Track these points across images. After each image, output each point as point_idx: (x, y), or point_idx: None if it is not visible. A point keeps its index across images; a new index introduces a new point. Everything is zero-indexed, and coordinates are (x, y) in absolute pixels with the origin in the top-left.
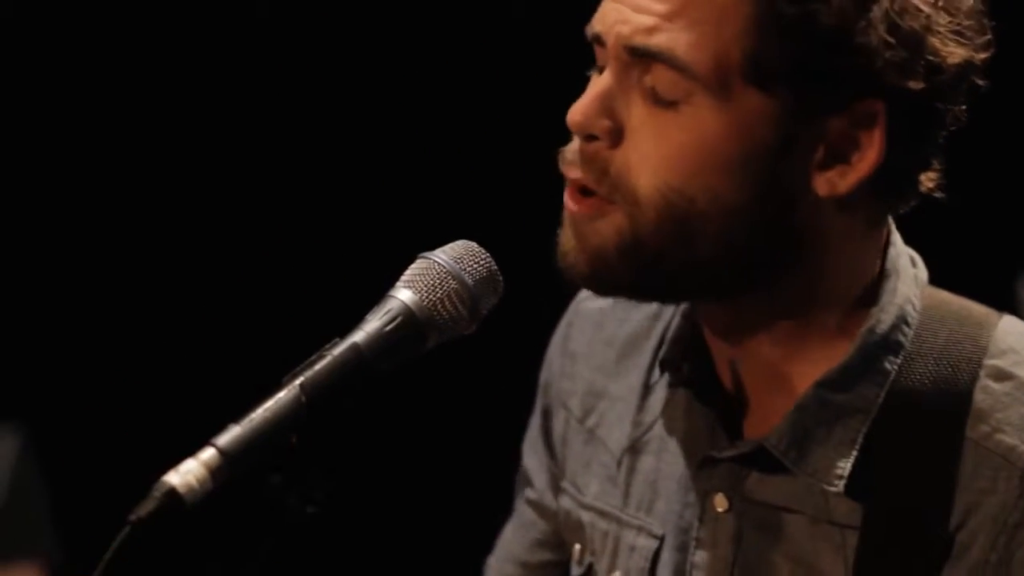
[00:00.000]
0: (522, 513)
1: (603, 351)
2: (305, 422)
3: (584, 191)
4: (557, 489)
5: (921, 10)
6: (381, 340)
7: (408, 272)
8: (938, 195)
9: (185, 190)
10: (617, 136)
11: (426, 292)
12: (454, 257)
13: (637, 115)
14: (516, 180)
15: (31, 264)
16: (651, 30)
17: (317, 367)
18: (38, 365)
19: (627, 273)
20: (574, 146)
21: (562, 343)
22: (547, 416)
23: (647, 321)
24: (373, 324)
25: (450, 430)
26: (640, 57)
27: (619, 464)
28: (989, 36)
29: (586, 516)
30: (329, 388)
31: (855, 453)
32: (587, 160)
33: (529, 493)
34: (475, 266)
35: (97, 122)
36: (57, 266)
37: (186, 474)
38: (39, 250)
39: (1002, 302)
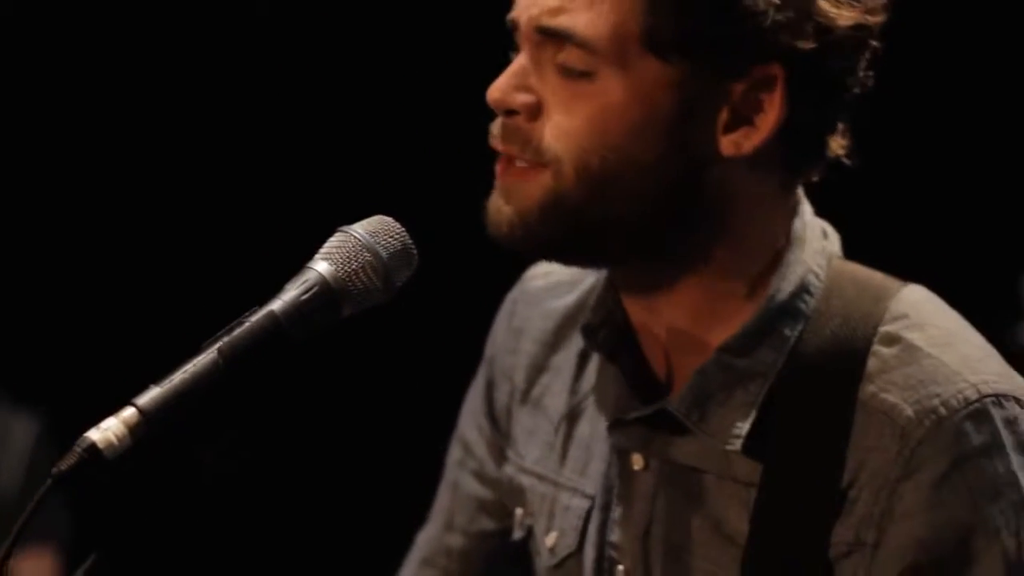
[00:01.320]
0: (461, 483)
1: (543, 325)
2: (221, 384)
3: (511, 161)
4: (501, 458)
5: None
6: (297, 308)
7: (326, 245)
8: (847, 162)
9: (184, 188)
10: (535, 110)
11: (341, 264)
12: (370, 231)
13: (551, 89)
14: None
15: (55, 258)
16: (556, 11)
17: (235, 333)
18: (59, 352)
19: (549, 231)
20: (498, 121)
21: (507, 319)
22: (491, 388)
23: (584, 295)
24: (290, 293)
25: (373, 399)
26: (549, 36)
27: (557, 430)
28: (884, 1)
29: (527, 480)
30: (246, 352)
31: (753, 414)
32: (509, 133)
33: (469, 463)
34: (390, 240)
35: (97, 122)
36: (81, 261)
37: (106, 431)
38: (58, 245)
39: (1005, 302)
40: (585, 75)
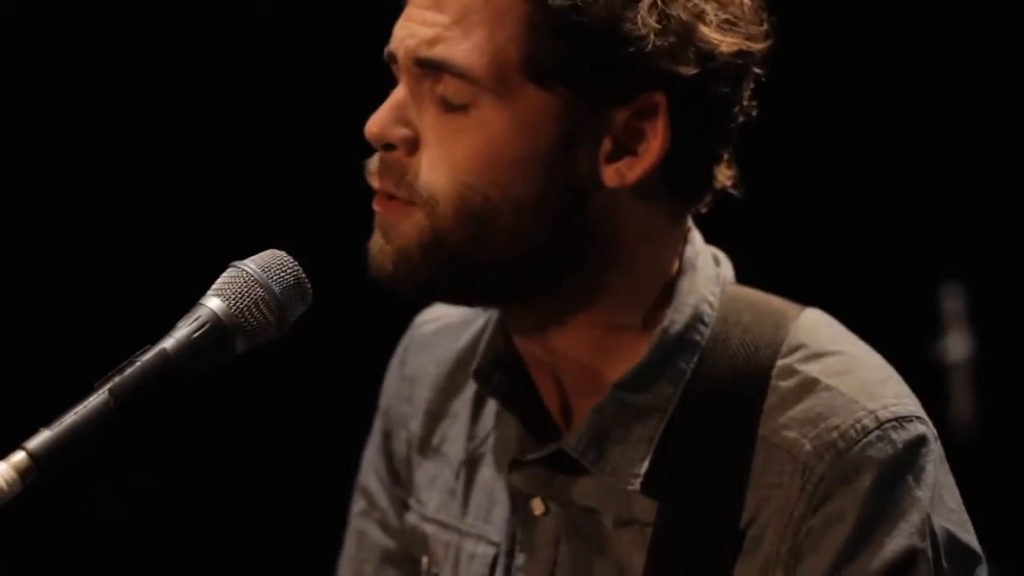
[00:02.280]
0: (364, 532)
1: (436, 371)
2: (114, 425)
3: (390, 197)
4: (403, 508)
5: (691, 0)
6: (189, 346)
7: (218, 281)
8: (734, 192)
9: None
10: (413, 144)
11: (234, 300)
12: (262, 266)
13: (430, 122)
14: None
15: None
16: (433, 41)
17: (126, 372)
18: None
19: (429, 271)
20: (376, 157)
21: (399, 368)
22: (388, 438)
23: (475, 337)
24: (182, 331)
25: (274, 436)
26: (427, 67)
27: (457, 476)
28: (766, 28)
29: (430, 529)
30: (137, 392)
31: (651, 452)
32: (387, 169)
33: (373, 513)
34: (282, 275)
35: (97, 122)
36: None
37: None
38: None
39: (927, 313)
40: (464, 107)
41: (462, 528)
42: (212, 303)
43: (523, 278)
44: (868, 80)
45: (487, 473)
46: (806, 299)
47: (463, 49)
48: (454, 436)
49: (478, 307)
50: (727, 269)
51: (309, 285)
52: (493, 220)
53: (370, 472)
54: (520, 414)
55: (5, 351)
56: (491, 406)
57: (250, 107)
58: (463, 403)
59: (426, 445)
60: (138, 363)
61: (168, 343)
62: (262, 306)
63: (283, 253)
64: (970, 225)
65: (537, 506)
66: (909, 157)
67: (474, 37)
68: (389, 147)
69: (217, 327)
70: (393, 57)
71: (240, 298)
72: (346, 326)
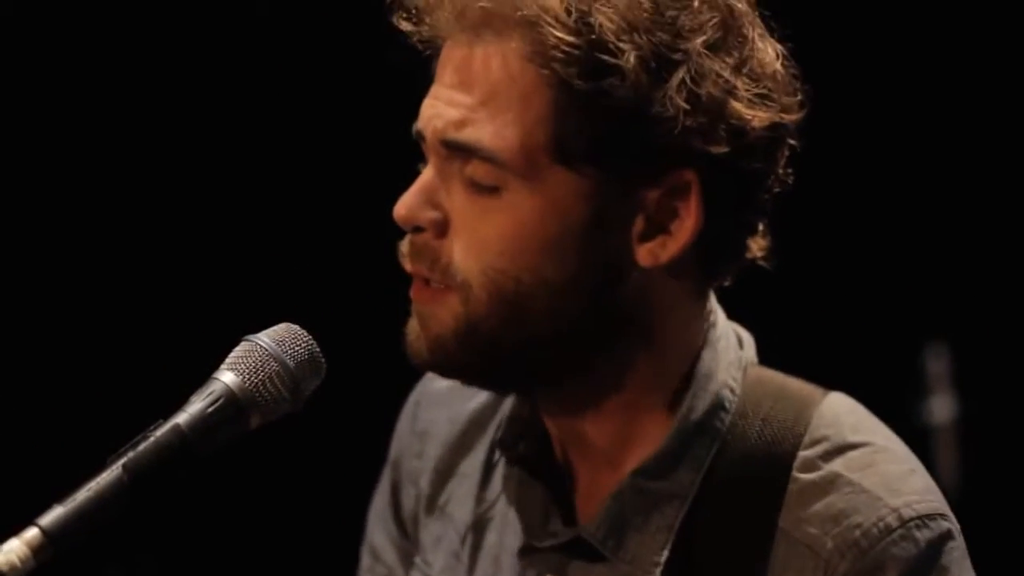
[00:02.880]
0: None
1: (449, 429)
2: (128, 502)
3: (428, 282)
4: (409, 564)
5: (721, 76)
6: (203, 421)
7: (232, 355)
8: (765, 264)
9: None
10: (442, 226)
11: (248, 374)
12: (276, 340)
13: (459, 204)
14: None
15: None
16: (460, 123)
17: (140, 448)
18: None
19: (465, 357)
20: (406, 239)
21: (410, 422)
22: (396, 492)
23: (493, 399)
24: (196, 406)
25: (284, 509)
26: (454, 150)
27: (463, 540)
28: (800, 98)
29: None
30: (151, 468)
31: (670, 540)
32: (417, 251)
33: (378, 569)
34: (297, 349)
35: (97, 122)
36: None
37: (8, 553)
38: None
39: (911, 374)
40: (494, 190)
41: None
42: (226, 378)
43: (557, 359)
44: (851, 141)
45: (493, 538)
46: (789, 361)
47: (490, 132)
48: (461, 497)
49: (510, 393)
50: (749, 350)
51: (323, 359)
52: (527, 303)
53: (377, 526)
54: (543, 486)
55: (15, 420)
56: (500, 471)
57: (267, 167)
58: (473, 464)
59: (432, 504)
60: (151, 438)
61: (182, 418)
62: (276, 381)
63: (296, 327)
64: (954, 287)
65: None
66: (893, 218)
67: (501, 119)
68: (418, 230)
69: (231, 402)
70: (420, 135)
71: (254, 373)
72: (350, 388)
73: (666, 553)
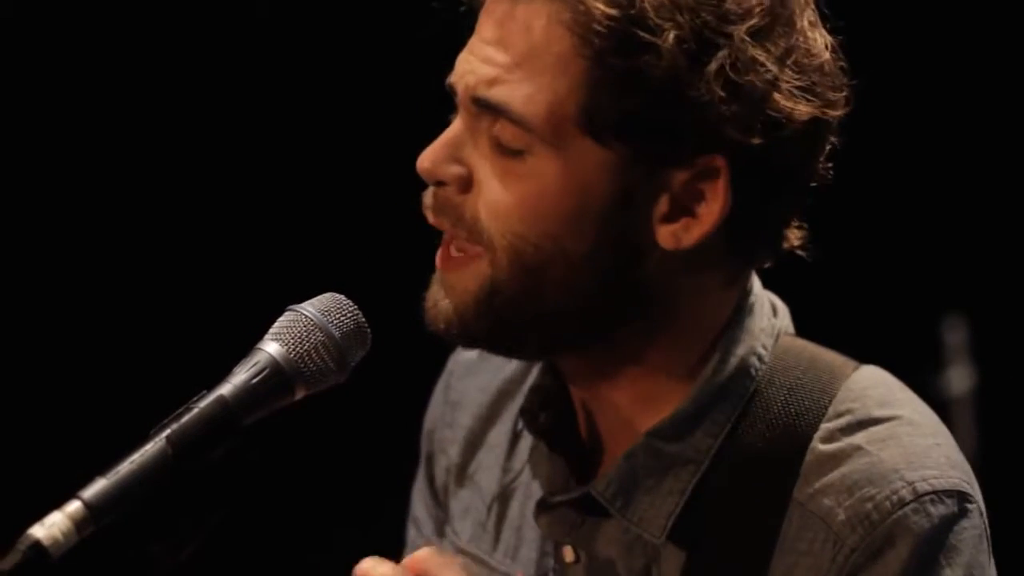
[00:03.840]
0: None
1: (479, 398)
2: (172, 473)
3: (449, 250)
4: (443, 534)
5: (764, 66)
6: (248, 392)
7: (276, 325)
8: (802, 253)
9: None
10: (466, 182)
11: (293, 344)
12: (322, 310)
13: (483, 163)
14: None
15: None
16: (492, 82)
17: (184, 419)
18: None
19: (482, 326)
20: (429, 191)
21: (443, 392)
22: (430, 463)
23: (522, 369)
24: (240, 376)
25: (325, 480)
26: (484, 108)
27: (489, 510)
28: (845, 94)
29: (461, 560)
30: (196, 440)
31: (681, 504)
32: (440, 206)
33: (419, 541)
34: (342, 319)
35: (97, 122)
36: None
37: (51, 527)
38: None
39: (929, 346)
40: (519, 153)
41: (491, 563)
42: (271, 348)
43: (572, 332)
44: (870, 112)
45: (516, 509)
46: (808, 333)
47: (521, 95)
48: (488, 467)
49: (526, 360)
50: (784, 319)
51: (368, 329)
52: (544, 272)
53: (417, 497)
54: (563, 455)
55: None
56: (527, 441)
57: (295, 144)
58: (501, 434)
59: (462, 473)
60: (195, 410)
61: (226, 389)
62: (322, 351)
63: (342, 296)
64: (972, 258)
65: (568, 553)
66: (911, 190)
67: (534, 83)
68: (441, 184)
69: (276, 373)
70: (452, 90)
71: (300, 343)
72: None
73: (675, 517)
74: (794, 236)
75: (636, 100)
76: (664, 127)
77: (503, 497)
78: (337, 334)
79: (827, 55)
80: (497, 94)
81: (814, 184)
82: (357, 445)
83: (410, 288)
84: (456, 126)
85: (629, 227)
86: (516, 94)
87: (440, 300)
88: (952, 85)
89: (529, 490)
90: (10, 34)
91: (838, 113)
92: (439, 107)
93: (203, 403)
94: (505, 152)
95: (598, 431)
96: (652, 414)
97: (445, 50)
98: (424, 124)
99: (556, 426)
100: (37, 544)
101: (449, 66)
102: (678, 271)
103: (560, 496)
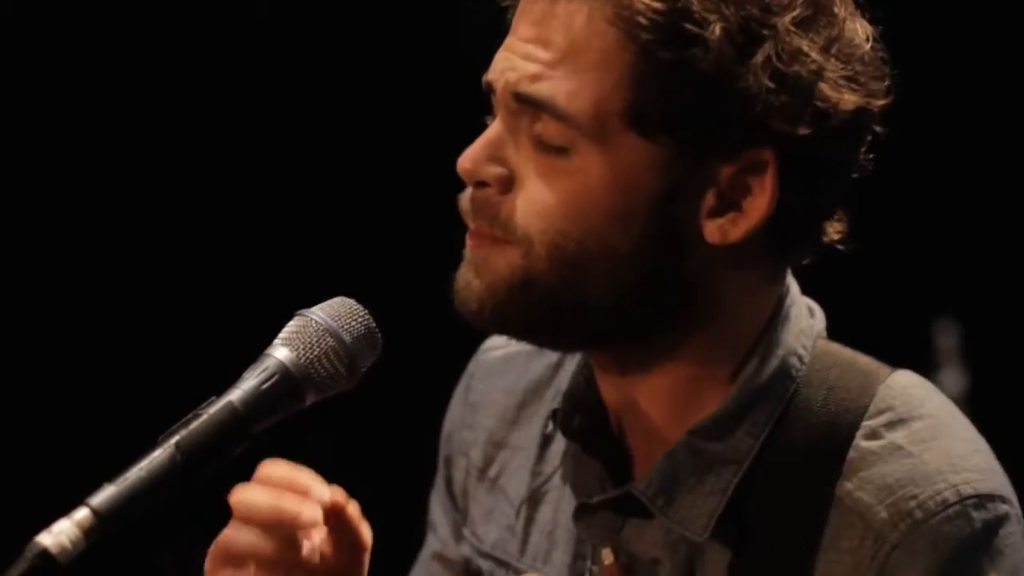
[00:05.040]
0: (427, 567)
1: (503, 401)
2: (181, 480)
3: (482, 232)
4: (460, 537)
5: (809, 56)
6: (257, 398)
7: (285, 330)
8: (842, 247)
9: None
10: (507, 183)
11: (303, 350)
12: (332, 315)
13: (526, 162)
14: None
15: None
16: (535, 77)
17: (192, 426)
18: None
19: (518, 311)
20: (467, 193)
21: (463, 394)
22: (449, 465)
23: (548, 371)
24: (249, 382)
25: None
26: (526, 104)
27: (517, 514)
28: (888, 83)
29: (485, 564)
30: (205, 446)
31: (723, 503)
32: (479, 206)
33: (434, 543)
34: (353, 323)
35: (97, 122)
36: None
37: (59, 534)
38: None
39: (920, 349)
40: (562, 150)
41: (519, 568)
42: (280, 353)
43: (611, 327)
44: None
45: (547, 513)
46: None
47: (565, 90)
48: (515, 470)
49: (560, 351)
50: (820, 322)
51: (379, 334)
52: (587, 267)
53: (434, 500)
54: (597, 457)
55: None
56: (558, 445)
57: (300, 146)
58: (528, 437)
59: (483, 475)
60: (204, 416)
61: (235, 395)
62: (332, 357)
63: (352, 301)
64: (964, 261)
65: (607, 556)
66: (902, 193)
67: (578, 80)
68: (481, 184)
69: (286, 379)
70: (491, 87)
71: (310, 348)
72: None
73: (716, 516)
74: (832, 230)
75: (684, 93)
76: (711, 120)
77: (532, 501)
78: (348, 339)
79: (867, 45)
80: (541, 90)
81: (855, 175)
82: (366, 450)
83: (420, 292)
84: (496, 126)
85: (674, 223)
86: (560, 89)
87: (472, 280)
88: (942, 90)
89: (561, 493)
90: (10, 34)
91: (881, 103)
92: (445, 107)
93: (212, 409)
94: (548, 150)
95: (633, 432)
96: (690, 414)
97: (445, 50)
98: (432, 125)
99: (590, 428)
100: (45, 552)
101: (448, 65)
102: (721, 267)
103: (599, 497)
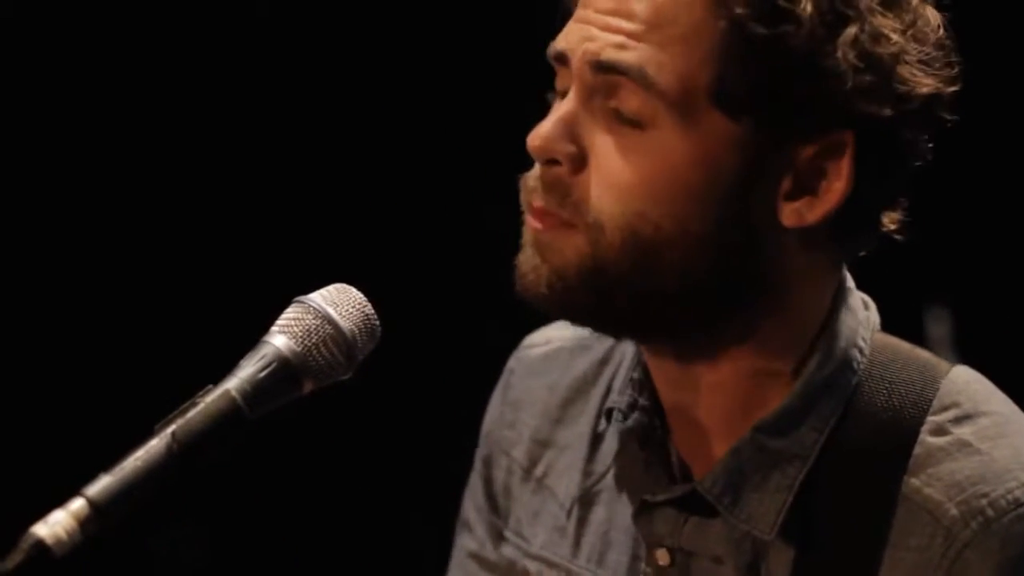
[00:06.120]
0: (463, 567)
1: (547, 398)
2: (178, 470)
3: (547, 213)
4: (499, 538)
5: (891, 38)
6: (254, 387)
7: (283, 317)
8: (898, 237)
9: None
10: (580, 161)
11: (301, 338)
12: (330, 302)
13: (601, 139)
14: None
15: None
16: (620, 47)
17: (189, 415)
18: None
19: (587, 297)
20: (535, 172)
21: (503, 392)
22: (488, 465)
23: (594, 367)
24: (247, 370)
25: (334, 480)
26: (607, 74)
27: (568, 514)
28: (956, 71)
29: (533, 566)
30: (202, 436)
31: (789, 500)
32: (548, 186)
33: (469, 543)
34: (351, 311)
35: (97, 122)
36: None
37: (54, 525)
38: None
39: (912, 338)
40: (643, 125)
41: (572, 569)
42: (278, 341)
43: (681, 315)
44: None
45: (601, 513)
46: None
47: (654, 60)
48: (563, 469)
49: (628, 340)
50: (875, 314)
51: (378, 322)
52: (661, 252)
53: (469, 501)
54: (654, 456)
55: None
56: (610, 443)
57: (298, 138)
58: (577, 435)
59: (528, 475)
60: (201, 405)
61: (232, 383)
62: (331, 344)
63: (351, 287)
64: (956, 250)
65: (662, 557)
66: None
67: (666, 51)
68: (552, 162)
69: (284, 366)
70: (563, 58)
71: (307, 336)
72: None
73: (783, 513)
74: (890, 220)
75: (772, 71)
76: (797, 99)
77: (585, 501)
78: (346, 327)
79: (940, 31)
80: (629, 57)
81: (919, 164)
82: (364, 441)
83: (418, 278)
84: (569, 101)
85: (753, 206)
86: (649, 59)
87: (539, 264)
88: None
89: (615, 493)
90: (10, 34)
91: (952, 89)
92: (439, 102)
93: (209, 398)
94: (626, 125)
95: (692, 429)
96: (752, 409)
97: (443, 49)
98: (428, 114)
99: (647, 426)
100: (40, 543)
101: (446, 65)
102: (790, 254)
103: (663, 495)
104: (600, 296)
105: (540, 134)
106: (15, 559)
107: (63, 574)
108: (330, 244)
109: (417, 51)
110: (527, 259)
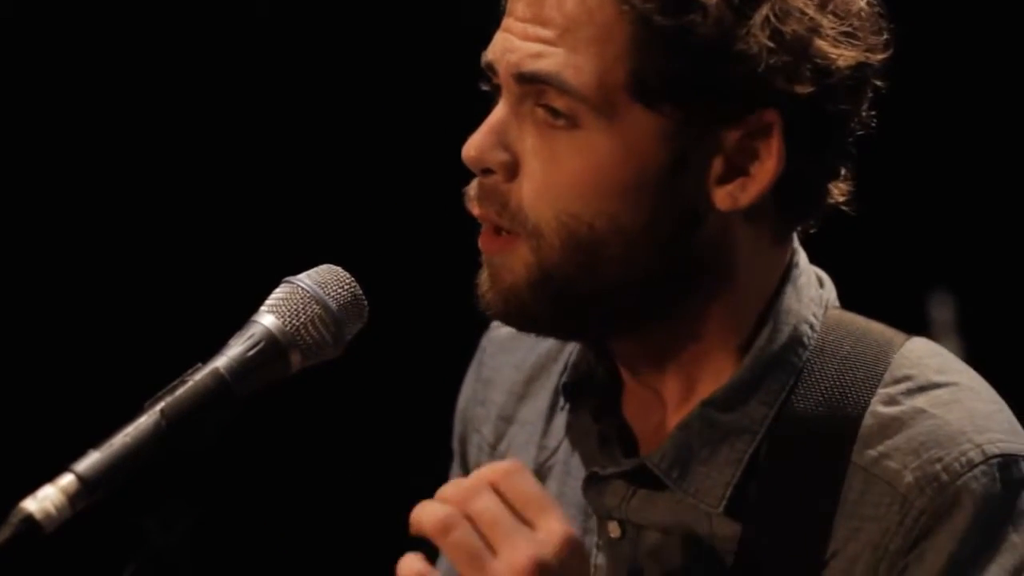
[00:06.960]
0: None
1: (513, 376)
2: (166, 446)
3: (497, 230)
4: None
5: (805, 13)
6: (243, 365)
7: (272, 297)
8: (847, 209)
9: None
10: (513, 168)
11: (289, 317)
12: (318, 282)
13: (531, 144)
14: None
15: None
16: (537, 56)
17: (178, 392)
18: None
19: (542, 307)
20: (475, 182)
21: (476, 370)
22: (463, 443)
23: (556, 345)
24: (235, 349)
25: (325, 460)
26: (529, 83)
27: None
28: (886, 37)
29: None
30: (190, 413)
31: (738, 474)
32: (485, 194)
33: None
34: (339, 291)
35: (97, 122)
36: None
37: (43, 500)
38: None
39: (916, 322)
40: (568, 128)
41: None
42: (266, 320)
43: (631, 307)
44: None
45: (553, 488)
46: None
47: (570, 65)
48: (521, 444)
49: (587, 342)
50: (830, 291)
51: (366, 302)
52: (601, 250)
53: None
54: (607, 430)
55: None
56: (561, 418)
57: (293, 131)
58: (535, 411)
59: (494, 451)
60: (190, 382)
61: (221, 362)
62: (319, 323)
63: (339, 268)
64: (959, 234)
65: (613, 529)
66: (897, 165)
67: (581, 54)
68: (487, 172)
69: (272, 345)
70: (491, 68)
71: (296, 315)
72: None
73: (731, 487)
74: (838, 191)
75: (685, 59)
76: (714, 85)
77: (538, 475)
78: (334, 306)
79: (863, 2)
80: (545, 66)
81: (860, 133)
82: (358, 423)
83: (408, 261)
84: (499, 111)
85: (685, 193)
86: (564, 64)
87: (491, 284)
88: (936, 63)
89: (567, 467)
90: (10, 34)
91: (881, 57)
92: (432, 99)
93: (198, 376)
94: (554, 128)
95: (646, 404)
96: (703, 385)
97: (440, 48)
98: (421, 110)
99: (601, 399)
100: (29, 518)
101: (444, 64)
102: (731, 233)
103: (612, 468)
104: (554, 303)
105: (473, 144)
106: (4, 534)
107: (52, 549)
108: (321, 229)
109: (417, 51)
110: (483, 280)
